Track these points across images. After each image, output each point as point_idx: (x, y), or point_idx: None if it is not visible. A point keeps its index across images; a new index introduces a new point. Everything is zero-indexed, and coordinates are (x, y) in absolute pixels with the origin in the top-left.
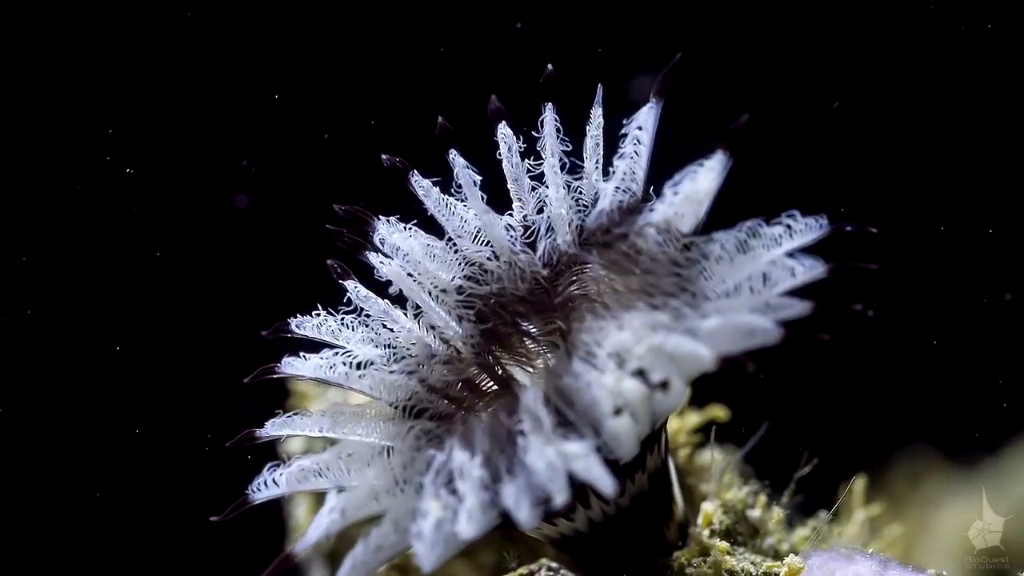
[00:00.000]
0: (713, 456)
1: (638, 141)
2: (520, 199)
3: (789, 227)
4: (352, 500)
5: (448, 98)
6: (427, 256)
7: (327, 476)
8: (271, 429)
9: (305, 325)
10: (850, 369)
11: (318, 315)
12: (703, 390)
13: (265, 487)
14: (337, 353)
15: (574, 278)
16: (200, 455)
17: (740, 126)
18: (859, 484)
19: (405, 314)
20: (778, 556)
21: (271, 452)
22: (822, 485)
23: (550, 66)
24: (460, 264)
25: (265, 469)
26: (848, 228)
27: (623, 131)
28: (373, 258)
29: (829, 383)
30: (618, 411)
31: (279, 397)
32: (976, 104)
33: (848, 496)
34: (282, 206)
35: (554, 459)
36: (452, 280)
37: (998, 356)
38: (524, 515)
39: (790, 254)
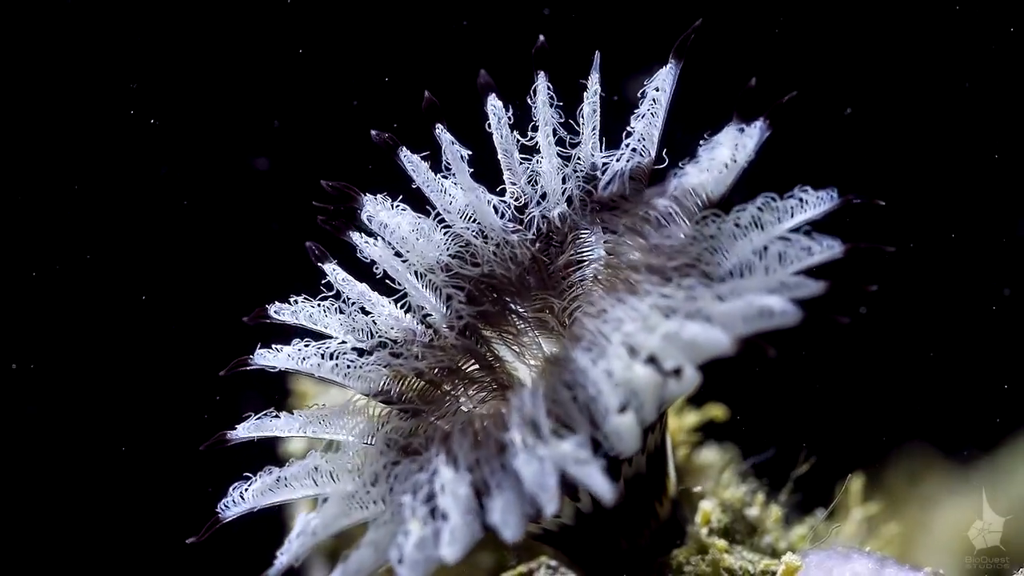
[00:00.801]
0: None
1: (655, 102)
2: (511, 170)
3: (802, 200)
4: (322, 520)
5: (441, 78)
6: (414, 233)
7: (296, 489)
8: (242, 432)
9: (283, 311)
10: (847, 367)
11: (295, 301)
12: (701, 389)
13: (234, 504)
14: (309, 343)
15: (572, 254)
16: (199, 454)
17: (785, 103)
18: (856, 482)
19: (387, 299)
20: (776, 554)
21: (271, 453)
22: (820, 483)
23: (542, 37)
24: (448, 242)
25: (231, 488)
26: (856, 200)
27: (640, 92)
28: (357, 238)
29: (827, 381)
30: (623, 408)
31: (283, 395)
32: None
33: (845, 494)
34: (301, 172)
35: (546, 465)
36: (439, 259)
37: (995, 354)
38: (511, 532)
39: (807, 232)
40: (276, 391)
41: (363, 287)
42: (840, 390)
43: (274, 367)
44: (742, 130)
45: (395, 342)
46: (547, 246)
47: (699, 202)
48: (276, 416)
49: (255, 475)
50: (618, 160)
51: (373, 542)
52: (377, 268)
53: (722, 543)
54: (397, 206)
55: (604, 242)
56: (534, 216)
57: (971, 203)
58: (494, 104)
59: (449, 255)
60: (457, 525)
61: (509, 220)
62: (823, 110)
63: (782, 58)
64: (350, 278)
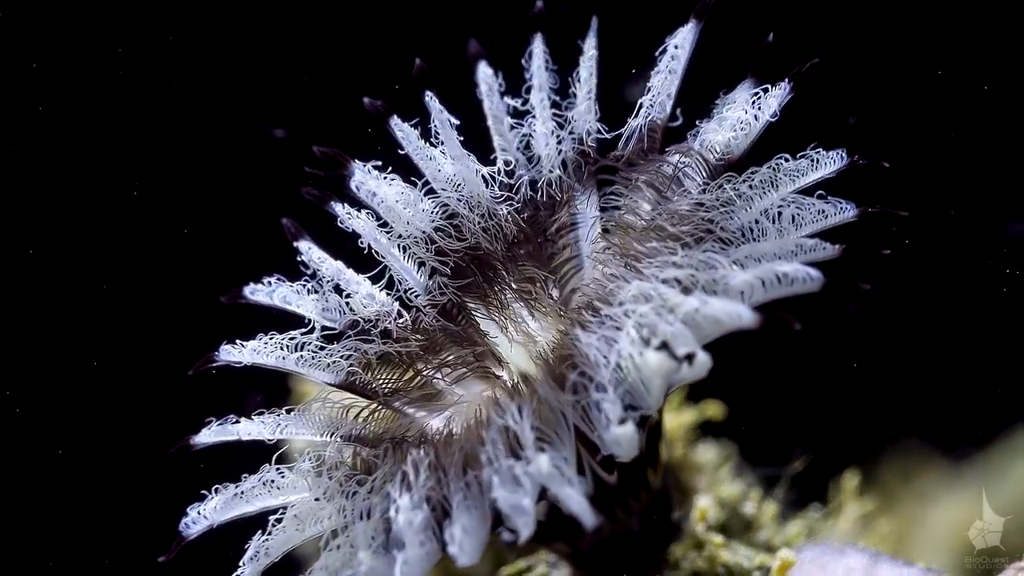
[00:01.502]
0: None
1: (674, 59)
2: (501, 136)
3: (814, 160)
4: (274, 542)
5: (433, 49)
6: (401, 202)
7: (253, 503)
8: (205, 437)
9: (258, 292)
10: (842, 364)
11: (270, 282)
12: (698, 386)
13: (194, 523)
14: (274, 336)
15: (566, 218)
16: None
17: (808, 67)
18: (851, 479)
19: (364, 277)
20: (771, 550)
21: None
22: (815, 480)
23: (540, 2)
24: (435, 213)
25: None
26: (862, 162)
27: (659, 49)
28: (340, 209)
29: (821, 378)
30: (623, 420)
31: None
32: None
33: (840, 491)
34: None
35: (526, 486)
36: (425, 230)
37: (990, 350)
38: (467, 559)
39: (820, 196)
40: (281, 391)
41: (339, 264)
42: (835, 387)
43: (239, 362)
44: (765, 90)
45: (370, 321)
46: (537, 211)
47: (720, 160)
48: (236, 421)
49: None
50: (635, 117)
51: (325, 567)
52: (362, 243)
53: (718, 539)
54: (386, 175)
55: (612, 205)
56: (523, 181)
57: (967, 201)
58: (485, 72)
59: (434, 227)
60: (412, 556)
61: (498, 190)
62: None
63: (796, 25)
64: (325, 256)
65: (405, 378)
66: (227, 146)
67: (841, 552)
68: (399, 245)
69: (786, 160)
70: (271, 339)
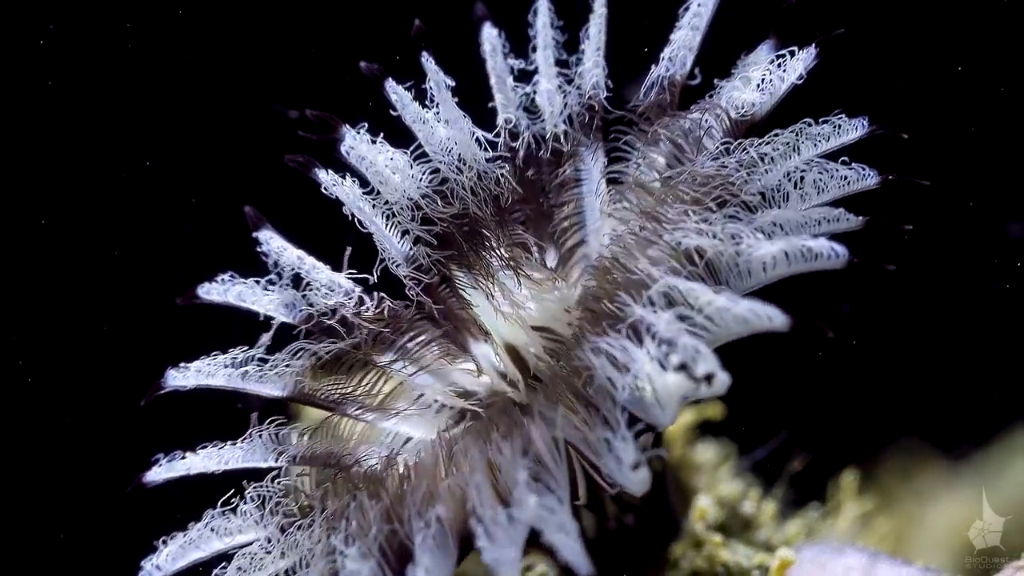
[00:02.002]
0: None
1: (697, 15)
2: (503, 94)
3: (837, 126)
4: None
5: (432, 12)
6: (391, 168)
7: (203, 549)
8: (154, 475)
9: (212, 291)
10: (841, 364)
11: (223, 280)
12: None
13: (158, 569)
14: (217, 355)
15: (572, 178)
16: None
17: (834, 35)
18: (850, 478)
19: (325, 265)
20: (770, 549)
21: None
22: (814, 479)
23: None
24: (426, 178)
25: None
26: (880, 131)
27: (683, 6)
28: (324, 176)
29: (820, 378)
30: (637, 465)
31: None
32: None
33: (839, 490)
34: None
35: (514, 533)
36: (413, 196)
37: (988, 350)
38: None
39: (844, 163)
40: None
41: (299, 252)
42: (834, 387)
43: (184, 386)
44: (791, 52)
45: (329, 313)
46: (539, 170)
47: (742, 120)
48: (183, 457)
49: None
50: (655, 70)
51: None
52: (345, 211)
53: (718, 538)
54: (377, 140)
55: (622, 162)
56: (525, 138)
57: (966, 200)
58: (489, 32)
59: (422, 194)
60: None
61: (499, 152)
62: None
63: None
64: (286, 244)
65: (365, 377)
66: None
67: (840, 551)
68: (383, 214)
69: (809, 124)
70: (215, 358)
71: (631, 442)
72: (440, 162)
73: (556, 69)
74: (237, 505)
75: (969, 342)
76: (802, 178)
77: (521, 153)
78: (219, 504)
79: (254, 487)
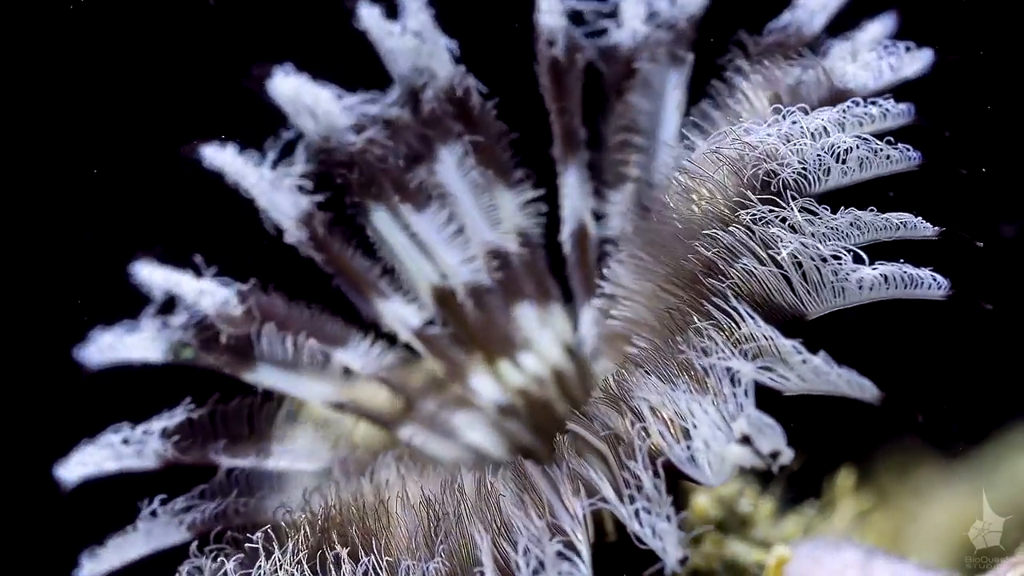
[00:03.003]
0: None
1: None
2: None
3: (885, 110)
4: None
5: None
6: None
7: None
8: (88, 571)
9: (93, 353)
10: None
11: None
12: None
13: None
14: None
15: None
16: None
17: (956, 58)
18: (847, 476)
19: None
20: (767, 546)
21: None
22: (811, 477)
23: None
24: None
25: None
26: (923, 124)
27: None
28: (206, 151)
29: None
30: (683, 560)
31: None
32: None
33: (836, 488)
34: None
35: None
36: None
37: (985, 346)
38: None
39: (889, 141)
40: None
41: (167, 273)
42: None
43: (84, 476)
44: (907, 48)
45: (205, 327)
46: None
47: (841, 92)
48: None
49: None
50: (779, 18)
51: None
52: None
53: (715, 536)
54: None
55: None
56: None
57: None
58: None
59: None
60: None
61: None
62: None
63: None
64: (158, 269)
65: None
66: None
67: (837, 548)
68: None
69: (856, 104)
70: (95, 445)
71: (675, 523)
72: (404, 77)
73: None
74: None
75: (965, 339)
76: (847, 151)
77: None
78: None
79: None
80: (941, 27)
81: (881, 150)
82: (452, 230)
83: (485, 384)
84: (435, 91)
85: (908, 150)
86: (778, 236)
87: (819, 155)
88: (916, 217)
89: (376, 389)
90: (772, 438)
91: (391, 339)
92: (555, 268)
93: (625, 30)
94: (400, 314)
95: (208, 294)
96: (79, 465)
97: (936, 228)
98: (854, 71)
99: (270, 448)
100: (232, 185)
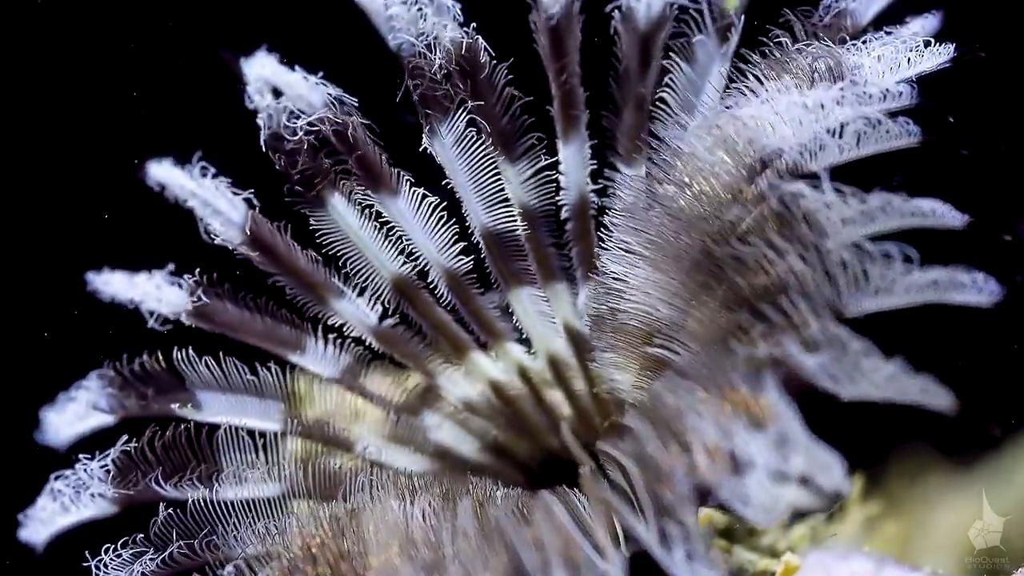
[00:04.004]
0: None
1: None
2: None
3: (886, 91)
4: None
5: None
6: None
7: None
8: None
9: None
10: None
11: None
12: None
13: None
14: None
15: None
16: None
17: (973, 56)
18: (856, 483)
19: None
20: (775, 554)
21: None
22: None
23: None
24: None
25: None
26: (963, 56)
27: None
28: (157, 172)
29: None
30: None
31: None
32: None
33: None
34: None
35: None
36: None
37: (996, 354)
38: None
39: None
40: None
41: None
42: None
43: (50, 534)
44: (928, 43)
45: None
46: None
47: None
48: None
49: None
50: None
51: None
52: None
53: (722, 543)
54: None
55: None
56: None
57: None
58: None
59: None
60: None
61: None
62: None
63: None
64: (114, 275)
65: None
66: None
67: (845, 556)
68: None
69: (855, 84)
70: (45, 497)
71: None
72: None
73: None
74: None
75: (977, 344)
76: (842, 127)
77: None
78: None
79: None
80: (973, 24)
81: (880, 123)
82: (436, 214)
83: (454, 380)
84: (441, 55)
85: (908, 123)
86: (825, 224)
87: (818, 131)
88: (945, 204)
89: (334, 397)
90: (832, 476)
91: (351, 339)
92: (556, 245)
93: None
94: (357, 313)
95: (162, 298)
96: (40, 524)
97: (965, 217)
98: (870, 63)
99: (220, 476)
100: (175, 199)
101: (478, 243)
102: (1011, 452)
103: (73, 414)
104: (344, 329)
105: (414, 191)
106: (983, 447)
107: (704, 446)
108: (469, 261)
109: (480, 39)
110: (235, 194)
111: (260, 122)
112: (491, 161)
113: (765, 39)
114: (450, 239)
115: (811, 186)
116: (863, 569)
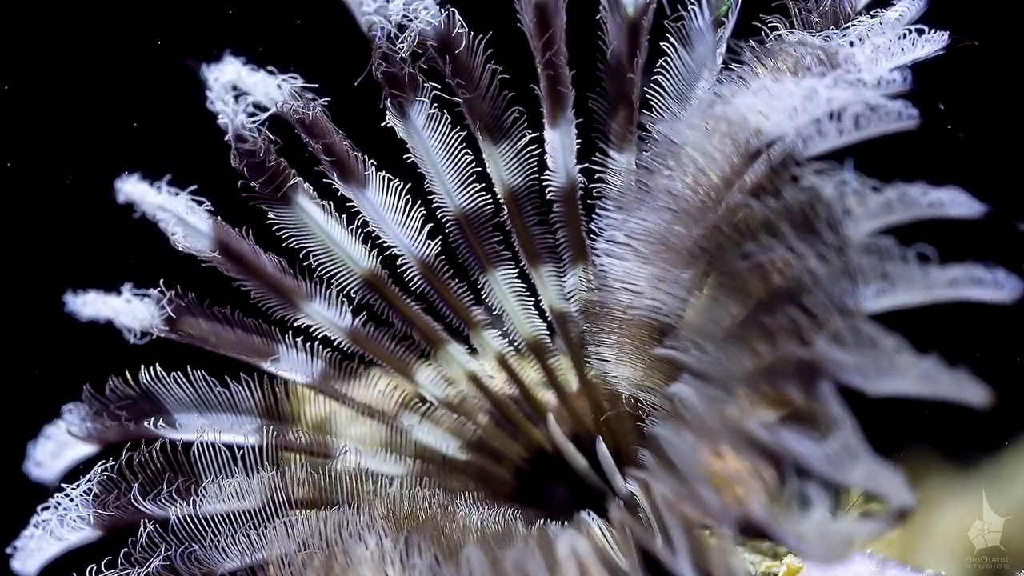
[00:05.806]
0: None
1: None
2: None
3: (878, 77)
4: None
5: None
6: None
7: None
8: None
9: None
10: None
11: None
12: None
13: None
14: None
15: None
16: None
17: (968, 43)
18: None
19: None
20: (777, 556)
21: None
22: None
23: None
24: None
25: None
26: (919, 91)
27: None
28: (127, 186)
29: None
30: None
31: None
32: None
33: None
34: None
35: None
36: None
37: (998, 355)
38: None
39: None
40: None
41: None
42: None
43: (35, 570)
44: (920, 31)
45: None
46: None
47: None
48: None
49: None
50: None
51: None
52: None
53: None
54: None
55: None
56: None
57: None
58: None
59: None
60: None
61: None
62: None
63: None
64: (88, 295)
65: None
66: None
67: (848, 559)
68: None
69: (847, 71)
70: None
71: None
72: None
73: None
74: None
75: (980, 346)
76: (840, 115)
77: None
78: None
79: None
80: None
81: (878, 106)
82: (404, 201)
83: (432, 376)
84: (418, 34)
85: (906, 106)
86: (846, 214)
87: (819, 115)
88: (963, 194)
89: (320, 402)
90: (898, 492)
91: (324, 341)
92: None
93: None
94: (329, 315)
95: (133, 313)
96: (29, 555)
97: (983, 207)
98: (862, 51)
99: (201, 489)
100: (143, 214)
101: (448, 226)
102: (1011, 452)
103: (56, 446)
104: (316, 332)
105: (383, 179)
106: (985, 450)
107: (751, 467)
108: (436, 244)
109: (457, 14)
110: (198, 203)
111: (222, 124)
112: (462, 142)
113: (761, 25)
114: (420, 227)
115: (822, 175)
116: (865, 570)
